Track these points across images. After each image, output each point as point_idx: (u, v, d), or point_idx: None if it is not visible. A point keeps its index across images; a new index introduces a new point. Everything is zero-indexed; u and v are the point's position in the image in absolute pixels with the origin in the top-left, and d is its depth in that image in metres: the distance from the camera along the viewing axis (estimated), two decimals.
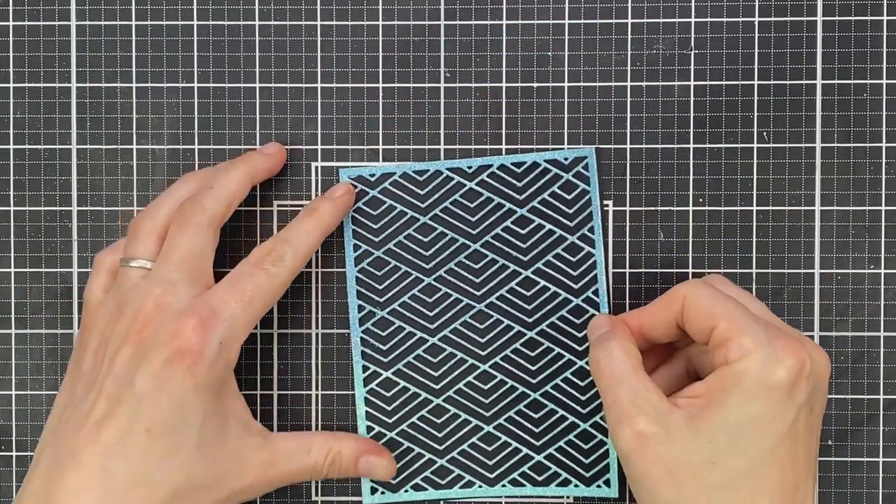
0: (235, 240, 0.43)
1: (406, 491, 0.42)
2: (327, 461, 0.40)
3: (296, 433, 0.41)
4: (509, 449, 0.42)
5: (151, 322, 0.37)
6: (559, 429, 0.42)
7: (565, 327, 0.42)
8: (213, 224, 0.39)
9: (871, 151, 0.42)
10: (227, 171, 0.40)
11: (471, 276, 0.42)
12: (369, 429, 0.42)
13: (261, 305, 0.38)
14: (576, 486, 0.42)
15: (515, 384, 0.42)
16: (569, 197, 0.42)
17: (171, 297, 0.37)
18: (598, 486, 0.42)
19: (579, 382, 0.42)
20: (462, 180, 0.42)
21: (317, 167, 0.43)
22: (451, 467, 0.42)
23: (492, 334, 0.42)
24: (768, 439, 0.35)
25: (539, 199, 0.42)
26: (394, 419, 0.43)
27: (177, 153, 0.43)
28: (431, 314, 0.42)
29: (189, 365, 0.36)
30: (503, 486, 0.42)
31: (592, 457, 0.42)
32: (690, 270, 0.42)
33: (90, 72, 0.43)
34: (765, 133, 0.42)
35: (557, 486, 0.42)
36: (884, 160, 0.42)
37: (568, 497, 0.43)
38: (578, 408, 0.42)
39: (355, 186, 0.42)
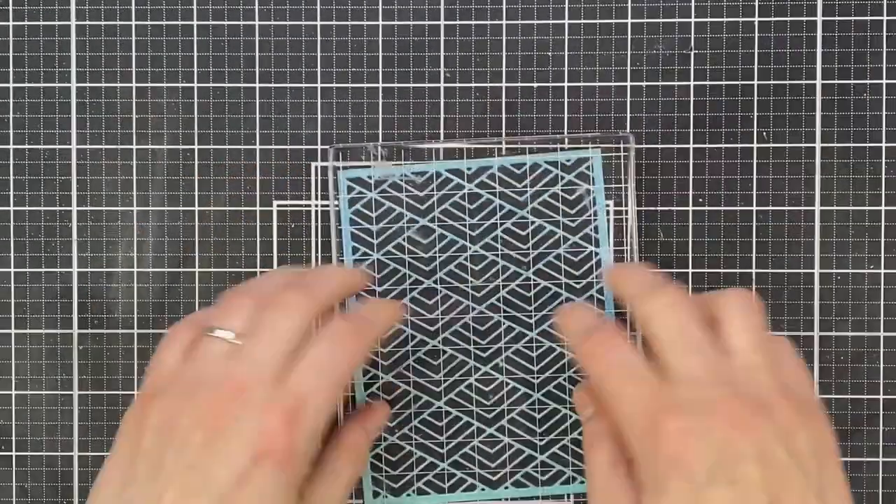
0: (236, 240, 0.43)
1: (409, 495, 0.42)
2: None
3: None
4: (512, 450, 0.42)
5: (232, 408, 0.33)
6: (563, 427, 0.42)
7: None
8: (312, 313, 0.36)
9: (871, 151, 0.42)
10: (328, 274, 0.38)
11: (471, 278, 0.42)
12: None
13: (342, 388, 0.36)
14: (582, 482, 0.42)
15: (517, 385, 0.42)
16: (571, 198, 0.42)
17: (255, 381, 0.34)
18: None
19: (582, 380, 0.42)
20: (461, 182, 0.42)
21: (317, 167, 0.43)
22: (454, 470, 0.42)
23: (492, 336, 0.42)
24: None
25: (540, 199, 0.42)
26: (395, 422, 0.43)
27: (177, 153, 0.43)
28: (431, 316, 0.42)
29: (279, 461, 0.33)
30: (506, 487, 0.42)
31: None
32: (690, 270, 0.42)
33: (90, 72, 0.43)
34: (765, 133, 0.42)
35: (562, 484, 0.42)
36: (884, 160, 0.42)
37: (569, 499, 0.43)
38: None
39: (354, 188, 0.42)
